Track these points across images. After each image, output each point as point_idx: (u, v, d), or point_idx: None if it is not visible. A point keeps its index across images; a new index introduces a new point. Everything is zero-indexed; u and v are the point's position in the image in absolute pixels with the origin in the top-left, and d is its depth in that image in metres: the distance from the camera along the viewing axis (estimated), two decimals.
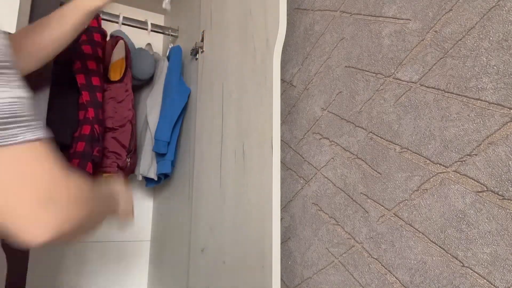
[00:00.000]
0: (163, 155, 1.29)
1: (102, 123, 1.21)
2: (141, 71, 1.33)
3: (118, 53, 1.26)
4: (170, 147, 1.28)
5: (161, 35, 1.67)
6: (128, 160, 1.27)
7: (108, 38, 1.32)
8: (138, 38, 1.56)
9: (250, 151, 0.83)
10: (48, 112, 1.15)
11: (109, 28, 1.44)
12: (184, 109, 1.31)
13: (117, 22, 1.33)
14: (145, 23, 1.40)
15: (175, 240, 1.29)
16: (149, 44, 1.47)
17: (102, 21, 1.30)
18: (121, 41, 1.27)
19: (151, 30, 1.42)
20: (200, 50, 1.22)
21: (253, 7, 0.88)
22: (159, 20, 1.72)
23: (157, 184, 1.38)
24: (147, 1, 1.64)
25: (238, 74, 0.93)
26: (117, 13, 1.33)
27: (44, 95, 0.99)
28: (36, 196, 0.38)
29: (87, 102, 1.15)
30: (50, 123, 1.16)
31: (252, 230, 0.79)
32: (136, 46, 1.42)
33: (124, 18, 1.35)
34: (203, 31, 1.21)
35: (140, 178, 1.35)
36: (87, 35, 1.19)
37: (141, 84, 1.43)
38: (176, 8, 1.58)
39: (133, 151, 1.31)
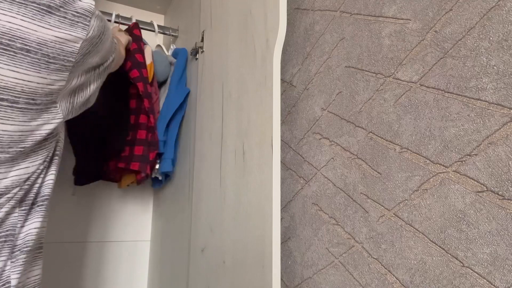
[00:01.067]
0: (162, 154, 1.29)
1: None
2: (160, 74, 1.35)
3: (148, 58, 1.28)
4: (169, 145, 1.28)
5: (161, 35, 1.68)
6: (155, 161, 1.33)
7: None
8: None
9: (250, 151, 0.83)
10: (105, 117, 1.20)
11: None
12: (184, 109, 1.32)
13: (128, 25, 1.35)
14: (151, 24, 1.42)
15: (175, 240, 1.29)
16: (159, 46, 1.48)
17: (112, 23, 1.32)
18: (148, 47, 1.30)
19: (151, 30, 1.43)
20: (200, 50, 1.22)
21: (253, 7, 0.88)
22: (159, 20, 1.73)
23: (161, 185, 1.40)
24: (147, 1, 1.64)
25: (238, 74, 0.93)
26: (129, 16, 1.35)
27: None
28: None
29: (148, 109, 1.19)
30: (109, 128, 1.20)
31: (252, 230, 0.79)
32: None
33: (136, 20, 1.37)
34: (203, 31, 1.21)
35: (153, 176, 1.38)
36: (137, 44, 1.22)
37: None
38: (176, 8, 1.58)
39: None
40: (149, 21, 1.46)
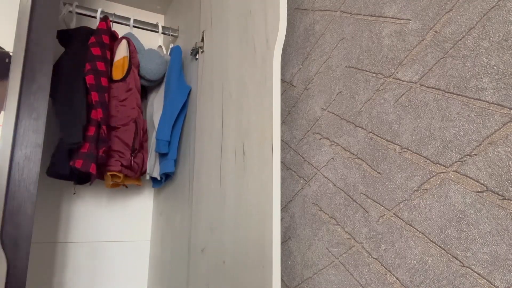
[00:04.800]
0: (166, 154, 1.29)
1: (108, 123, 1.22)
2: (150, 72, 1.34)
3: (120, 52, 1.27)
4: (172, 146, 1.28)
5: (161, 35, 1.68)
6: (132, 159, 1.28)
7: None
8: (143, 40, 1.57)
9: (250, 151, 0.83)
10: (59, 113, 1.17)
11: (118, 30, 1.44)
12: (185, 108, 1.32)
13: (128, 25, 1.35)
14: (153, 24, 1.42)
15: (175, 240, 1.29)
16: (160, 47, 1.48)
17: (113, 24, 1.32)
18: (123, 40, 1.28)
19: (151, 30, 1.43)
20: (200, 50, 1.22)
21: (253, 7, 0.88)
22: (159, 20, 1.73)
23: (160, 185, 1.39)
24: (147, 1, 1.64)
25: (238, 74, 0.93)
26: (129, 16, 1.35)
27: (45, 94, 1.00)
28: None
29: (96, 103, 1.17)
30: (63, 125, 1.18)
31: (252, 230, 0.79)
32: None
33: (134, 20, 1.37)
34: (203, 31, 1.21)
35: (148, 177, 1.37)
36: (95, 37, 1.21)
37: (153, 85, 1.45)
38: (176, 8, 1.58)
39: (138, 150, 1.32)
40: (149, 21, 1.46)
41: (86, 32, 1.25)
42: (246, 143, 0.85)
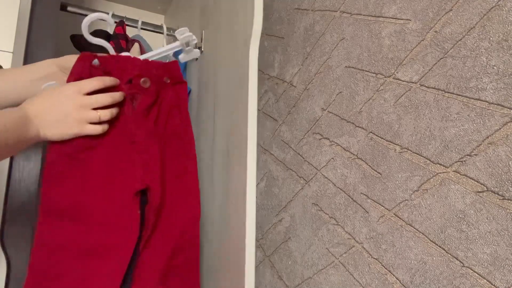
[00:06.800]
0: None
1: None
2: None
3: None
4: None
5: (161, 35, 1.68)
6: None
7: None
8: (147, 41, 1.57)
9: (233, 152, 0.83)
10: None
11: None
12: None
13: (135, 27, 1.36)
14: (158, 26, 1.42)
15: None
16: None
17: (111, 24, 1.32)
18: (136, 44, 1.29)
19: (151, 30, 1.43)
20: (200, 50, 1.22)
21: (239, 6, 0.90)
22: (159, 20, 1.73)
23: None
24: (147, 1, 1.64)
25: (226, 74, 0.94)
26: (129, 17, 1.36)
27: None
28: None
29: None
30: None
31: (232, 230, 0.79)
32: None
33: (134, 21, 1.37)
34: (203, 31, 1.21)
35: None
36: (114, 42, 1.21)
37: None
38: (176, 8, 1.58)
39: None
40: (149, 21, 1.46)
41: (103, 36, 1.25)
42: (229, 143, 0.86)
